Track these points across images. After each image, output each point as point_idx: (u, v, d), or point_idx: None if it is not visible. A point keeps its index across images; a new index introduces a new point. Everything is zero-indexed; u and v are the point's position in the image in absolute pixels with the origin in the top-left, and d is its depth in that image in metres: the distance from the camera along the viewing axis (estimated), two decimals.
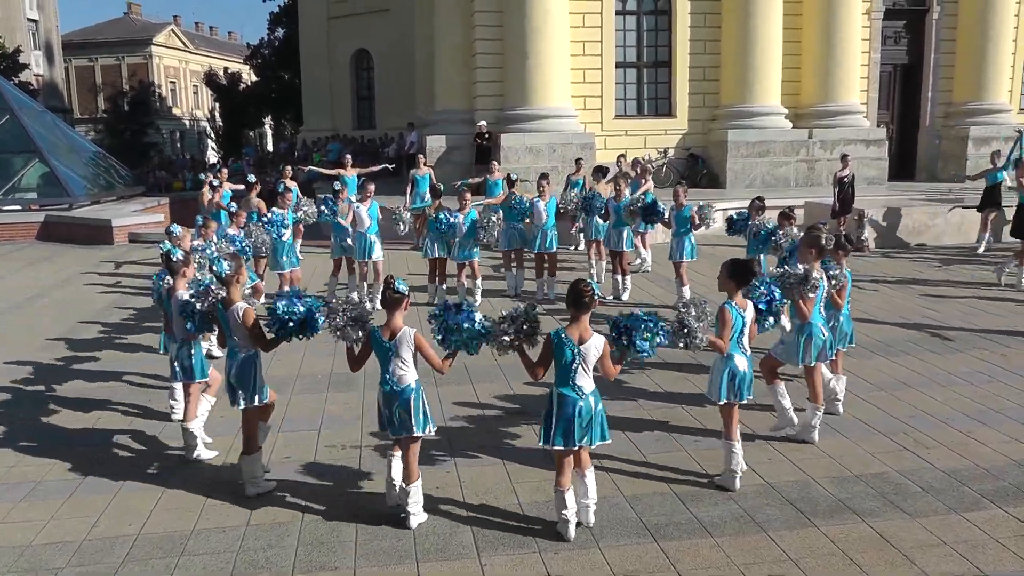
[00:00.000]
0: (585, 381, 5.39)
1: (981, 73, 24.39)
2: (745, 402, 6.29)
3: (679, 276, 12.11)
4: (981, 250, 16.13)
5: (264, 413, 6.47)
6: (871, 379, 8.74)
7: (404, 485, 5.71)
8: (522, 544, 5.47)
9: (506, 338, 5.52)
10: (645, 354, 5.53)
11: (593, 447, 5.51)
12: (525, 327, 5.54)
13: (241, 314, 6.20)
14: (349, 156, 19.28)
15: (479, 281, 12.49)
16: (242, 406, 6.25)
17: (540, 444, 5.54)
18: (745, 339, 6.25)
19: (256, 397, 6.26)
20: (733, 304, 6.15)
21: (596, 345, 5.35)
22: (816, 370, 7.10)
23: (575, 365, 5.34)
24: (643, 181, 15.69)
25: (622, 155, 19.29)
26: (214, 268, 6.65)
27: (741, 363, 6.16)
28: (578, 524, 5.56)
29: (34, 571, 5.27)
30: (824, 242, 7.14)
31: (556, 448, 5.40)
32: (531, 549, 5.40)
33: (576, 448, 5.43)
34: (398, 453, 5.83)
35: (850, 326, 7.88)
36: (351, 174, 17.11)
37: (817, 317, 7.06)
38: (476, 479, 6.46)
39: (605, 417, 5.54)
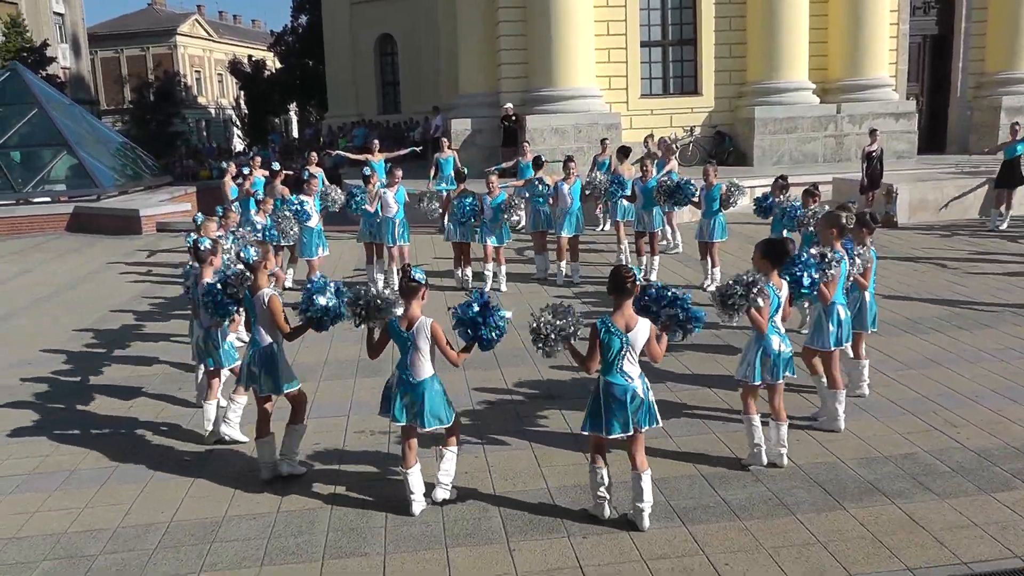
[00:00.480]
0: (632, 368, 5.30)
1: (1014, 41, 23.87)
2: (782, 381, 6.27)
3: (711, 256, 11.96)
4: (1004, 226, 15.74)
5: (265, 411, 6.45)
6: (899, 357, 8.65)
7: (440, 448, 5.77)
8: (551, 528, 5.49)
9: (551, 343, 5.42)
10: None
11: (645, 430, 5.38)
12: (571, 328, 5.44)
13: (267, 300, 6.25)
14: (377, 141, 19.28)
15: (503, 268, 12.46)
16: (262, 393, 6.32)
17: (586, 431, 5.45)
18: (778, 318, 6.23)
19: (280, 384, 6.31)
20: (769, 284, 6.12)
21: (643, 330, 5.27)
22: (835, 355, 6.97)
23: (623, 353, 5.25)
24: (668, 160, 15.58)
25: (649, 135, 19.13)
26: (242, 255, 6.70)
27: (776, 343, 6.15)
28: (634, 527, 5.43)
29: (70, 558, 5.37)
30: (845, 221, 7.06)
31: (613, 436, 5.29)
32: (560, 534, 5.42)
33: (631, 433, 5.32)
34: (413, 468, 5.72)
35: (875, 309, 7.64)
36: (379, 159, 17.12)
37: (840, 298, 6.96)
38: (504, 464, 6.48)
39: (654, 401, 5.44)
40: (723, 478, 6.13)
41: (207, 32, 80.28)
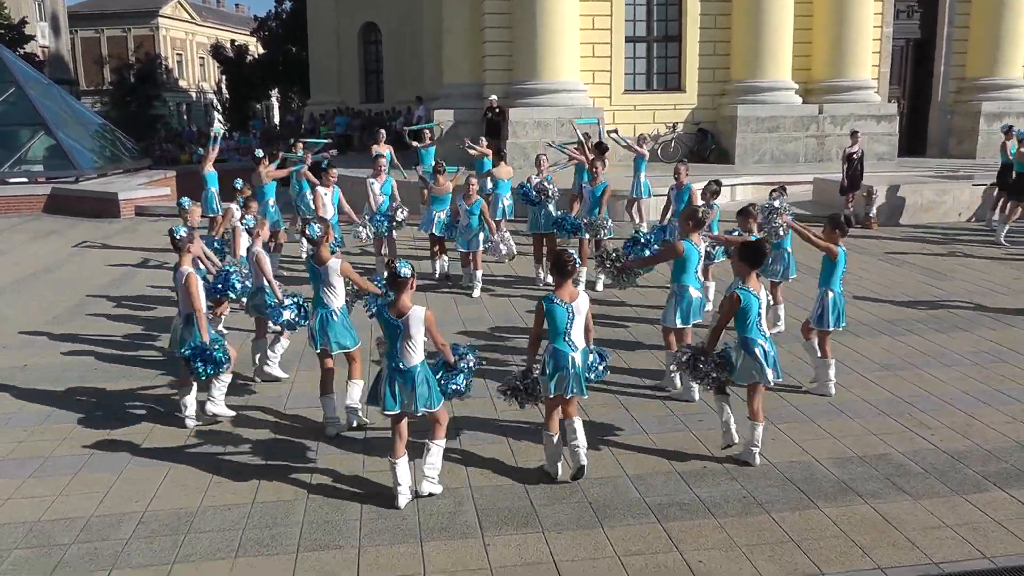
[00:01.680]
0: (577, 337, 5.92)
1: (995, 48, 24.10)
2: (774, 384, 6.40)
3: None
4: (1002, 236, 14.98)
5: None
6: (875, 358, 8.73)
7: (427, 442, 5.83)
8: (526, 523, 5.51)
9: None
10: None
11: (584, 397, 6.08)
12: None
13: (339, 267, 6.98)
14: (383, 131, 18.96)
15: (479, 272, 11.88)
16: (332, 349, 7.01)
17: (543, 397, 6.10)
18: (763, 321, 6.28)
19: (345, 342, 7.08)
20: (748, 288, 6.18)
21: (584, 301, 5.98)
22: (687, 332, 7.71)
23: (569, 322, 5.86)
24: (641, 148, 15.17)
25: (585, 134, 18.16)
26: (307, 231, 7.16)
27: (764, 345, 6.21)
28: (576, 475, 6.02)
29: (42, 547, 5.32)
30: (700, 215, 7.91)
31: (551, 397, 5.96)
32: (535, 528, 5.44)
33: (569, 396, 5.93)
34: (401, 459, 5.76)
35: (839, 308, 7.69)
36: (385, 150, 16.85)
37: (692, 280, 7.69)
38: (480, 458, 6.49)
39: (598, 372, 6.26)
40: (698, 475, 6.17)
41: (190, 15, 79.48)
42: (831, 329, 7.72)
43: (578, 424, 6.03)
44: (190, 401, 7.18)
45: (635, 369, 8.48)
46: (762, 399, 6.36)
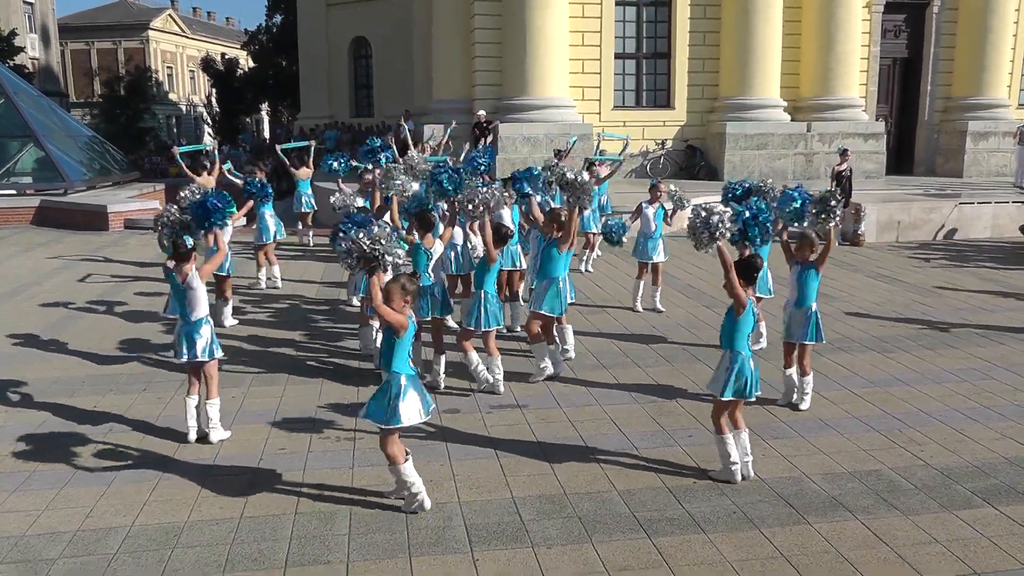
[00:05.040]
0: (436, 275, 8.17)
1: (980, 68, 24.38)
2: (753, 399, 6.39)
3: (654, 277, 11.38)
4: None
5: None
6: (865, 374, 8.76)
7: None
8: (515, 538, 5.48)
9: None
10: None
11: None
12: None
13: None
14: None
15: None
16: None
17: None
18: (750, 337, 6.32)
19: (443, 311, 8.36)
20: (749, 299, 6.21)
21: (438, 248, 7.95)
22: (561, 319, 8.79)
23: (429, 263, 7.93)
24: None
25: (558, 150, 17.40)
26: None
27: (750, 362, 6.23)
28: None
29: (28, 562, 5.26)
30: (504, 233, 8.87)
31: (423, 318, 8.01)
32: (524, 544, 5.41)
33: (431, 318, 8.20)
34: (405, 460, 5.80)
35: (814, 322, 7.72)
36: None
37: (561, 273, 8.45)
38: (469, 472, 6.46)
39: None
40: (688, 490, 6.16)
41: (180, 28, 79.58)
42: (794, 342, 7.77)
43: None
44: (192, 412, 7.09)
45: (624, 384, 8.48)
46: (742, 411, 6.39)
